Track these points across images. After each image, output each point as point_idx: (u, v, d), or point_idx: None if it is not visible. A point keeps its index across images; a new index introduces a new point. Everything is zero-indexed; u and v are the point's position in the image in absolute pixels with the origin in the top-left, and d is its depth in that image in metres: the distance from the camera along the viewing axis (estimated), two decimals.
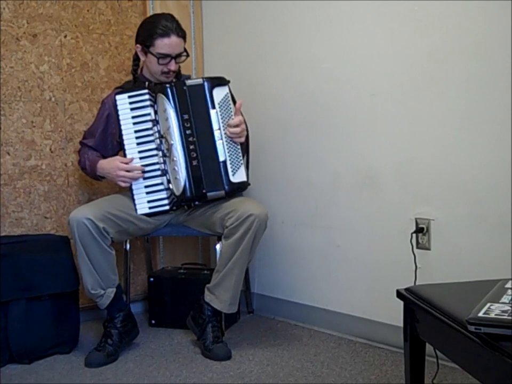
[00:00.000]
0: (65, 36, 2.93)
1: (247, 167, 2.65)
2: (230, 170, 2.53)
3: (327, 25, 2.69)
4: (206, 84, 2.52)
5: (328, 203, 2.75)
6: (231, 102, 2.56)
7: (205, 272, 2.92)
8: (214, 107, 2.52)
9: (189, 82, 2.56)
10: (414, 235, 2.40)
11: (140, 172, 2.56)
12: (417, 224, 2.41)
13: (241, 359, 2.48)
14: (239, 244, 2.45)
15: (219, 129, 2.52)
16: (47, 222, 2.91)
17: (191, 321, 2.62)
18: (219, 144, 2.52)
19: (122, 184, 2.58)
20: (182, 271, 2.96)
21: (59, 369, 2.43)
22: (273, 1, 2.90)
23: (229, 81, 2.58)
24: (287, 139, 2.88)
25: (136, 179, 2.57)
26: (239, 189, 2.58)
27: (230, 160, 2.53)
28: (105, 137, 2.71)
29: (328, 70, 2.70)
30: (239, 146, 2.56)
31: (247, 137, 2.63)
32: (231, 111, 2.54)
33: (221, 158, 2.52)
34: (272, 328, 2.85)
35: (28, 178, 2.85)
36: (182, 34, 2.62)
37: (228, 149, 2.53)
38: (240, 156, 2.56)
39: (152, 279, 2.92)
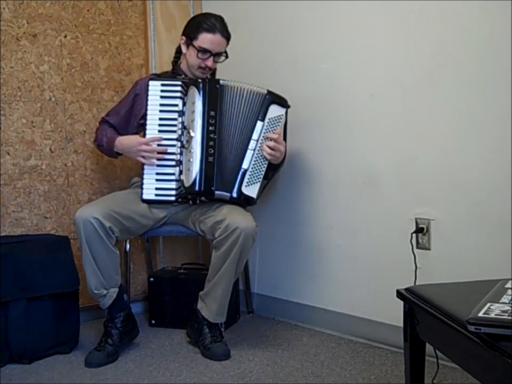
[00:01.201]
0: (65, 36, 2.93)
1: (263, 189, 2.65)
2: (245, 180, 2.55)
3: (327, 25, 2.69)
4: (267, 96, 2.58)
5: (328, 203, 2.75)
6: (281, 125, 2.59)
7: (205, 272, 2.90)
8: (263, 119, 2.57)
9: (222, 82, 2.58)
10: (414, 235, 2.40)
11: (161, 150, 2.56)
12: (417, 224, 2.41)
13: (241, 359, 2.48)
14: (227, 256, 2.45)
15: (256, 140, 2.56)
16: (47, 222, 2.91)
17: (189, 330, 2.64)
18: (249, 152, 2.56)
19: (143, 160, 2.58)
20: (182, 271, 2.97)
21: (59, 369, 2.42)
22: (273, 1, 2.90)
23: (289, 106, 2.62)
24: (286, 139, 2.88)
25: (158, 153, 2.55)
26: (244, 201, 2.59)
27: (250, 172, 2.55)
28: (129, 117, 2.74)
29: (328, 70, 2.70)
30: (265, 166, 2.58)
31: (280, 166, 2.68)
32: (275, 132, 2.58)
33: (244, 166, 2.55)
34: (272, 328, 2.85)
35: (27, 178, 2.85)
36: (226, 35, 2.66)
37: (254, 161, 2.56)
38: (261, 174, 2.58)
39: (152, 279, 2.93)
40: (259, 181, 2.58)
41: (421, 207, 2.42)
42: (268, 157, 2.56)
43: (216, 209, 2.56)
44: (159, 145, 2.57)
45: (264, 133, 2.56)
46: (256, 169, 2.57)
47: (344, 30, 2.63)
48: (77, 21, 2.95)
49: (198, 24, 2.65)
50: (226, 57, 2.70)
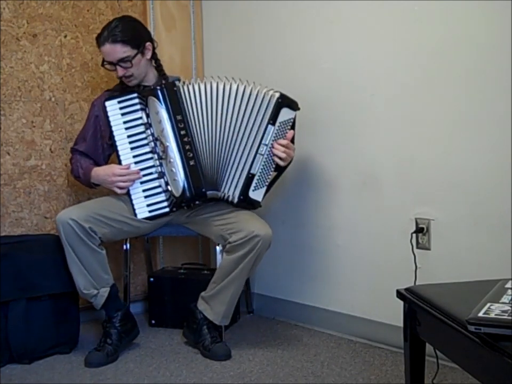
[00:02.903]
0: (65, 36, 2.93)
1: (266, 192, 2.61)
2: (253, 185, 2.53)
3: (327, 25, 2.69)
4: (280, 99, 2.50)
5: (328, 203, 2.75)
6: (289, 128, 2.55)
7: (205, 272, 2.92)
8: (274, 123, 2.51)
9: (178, 83, 2.55)
10: (414, 235, 2.40)
11: (135, 174, 2.55)
12: (417, 224, 2.41)
13: (241, 359, 2.48)
14: (241, 262, 2.44)
15: (266, 145, 2.52)
16: (47, 222, 2.91)
17: (186, 331, 2.63)
18: (258, 157, 2.52)
19: (118, 191, 2.56)
20: (182, 271, 2.96)
21: (59, 369, 2.42)
22: (273, 1, 2.90)
23: (299, 109, 2.57)
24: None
25: (132, 181, 2.55)
26: (250, 205, 2.57)
27: (258, 177, 2.53)
28: (95, 140, 2.69)
29: (328, 70, 2.70)
30: (272, 170, 2.55)
31: (285, 168, 2.63)
32: (285, 136, 2.54)
33: (252, 171, 2.52)
34: (272, 328, 2.85)
35: (27, 178, 2.85)
36: (115, 39, 2.55)
37: (263, 166, 2.53)
38: (268, 179, 2.56)
39: (152, 279, 2.93)
40: (265, 185, 2.56)
41: (421, 207, 2.42)
42: (278, 160, 2.52)
43: (228, 214, 2.55)
44: (137, 162, 2.55)
45: (275, 137, 2.52)
46: (263, 174, 2.54)
47: (344, 30, 2.63)
48: (77, 21, 2.95)
49: (96, 41, 2.62)
50: (131, 60, 2.57)
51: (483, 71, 2.20)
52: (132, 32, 2.61)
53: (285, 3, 2.85)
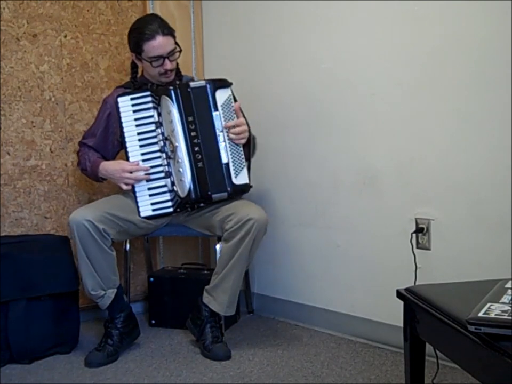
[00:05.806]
0: (65, 36, 2.93)
1: (248, 170, 2.62)
2: (232, 172, 2.51)
3: (327, 25, 2.69)
4: (208, 86, 2.50)
5: (328, 203, 2.75)
6: (233, 104, 2.54)
7: (205, 272, 2.92)
8: (216, 109, 2.51)
9: (192, 84, 2.55)
10: (414, 235, 2.40)
11: (144, 172, 2.55)
12: (417, 224, 2.41)
13: (241, 359, 2.48)
14: (238, 247, 2.45)
15: (222, 131, 2.51)
16: (47, 222, 2.91)
17: (190, 323, 2.63)
18: (222, 146, 2.51)
19: (124, 187, 2.56)
20: (182, 271, 2.97)
21: (59, 369, 2.43)
22: (273, 1, 2.90)
23: (231, 83, 2.56)
24: (287, 139, 2.88)
25: (140, 180, 2.56)
26: (241, 191, 2.57)
27: (232, 162, 2.51)
28: (106, 137, 2.70)
29: (328, 70, 2.70)
30: (241, 149, 2.55)
31: (250, 140, 2.60)
32: (233, 113, 2.53)
33: (224, 160, 2.51)
34: (272, 328, 2.85)
35: (28, 178, 2.85)
36: (167, 32, 2.60)
37: (230, 151, 2.52)
38: (242, 158, 2.55)
39: (152, 279, 2.93)
40: (244, 166, 2.55)
41: (421, 207, 2.42)
42: (239, 141, 2.50)
43: (225, 205, 2.56)
44: (144, 160, 2.55)
45: (225, 119, 2.50)
46: (236, 158, 2.52)
47: (344, 30, 2.63)
48: (77, 21, 2.95)
49: (136, 37, 2.60)
50: (180, 50, 2.64)
51: (483, 71, 2.20)
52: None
53: (285, 3, 2.85)
